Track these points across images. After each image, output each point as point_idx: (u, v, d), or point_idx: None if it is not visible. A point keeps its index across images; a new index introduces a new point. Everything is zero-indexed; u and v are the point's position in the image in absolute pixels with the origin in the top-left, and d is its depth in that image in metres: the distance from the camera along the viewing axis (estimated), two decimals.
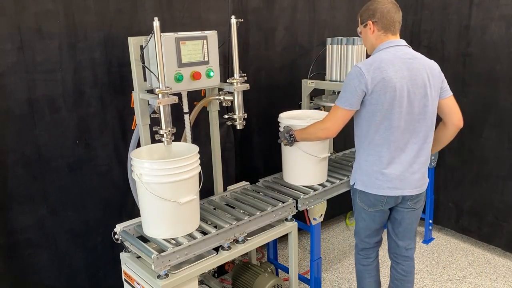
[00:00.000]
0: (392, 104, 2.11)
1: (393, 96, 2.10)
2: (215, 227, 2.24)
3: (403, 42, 2.24)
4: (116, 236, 2.22)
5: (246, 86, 2.39)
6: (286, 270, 2.85)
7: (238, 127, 2.47)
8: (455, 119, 2.29)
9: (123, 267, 2.24)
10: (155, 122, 2.18)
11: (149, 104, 2.25)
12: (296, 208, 2.54)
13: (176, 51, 2.16)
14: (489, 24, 3.20)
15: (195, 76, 2.24)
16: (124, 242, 2.22)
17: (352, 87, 2.13)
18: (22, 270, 2.33)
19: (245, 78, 2.38)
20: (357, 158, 2.32)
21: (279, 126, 2.69)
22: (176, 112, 2.36)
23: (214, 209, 2.52)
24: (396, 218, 2.38)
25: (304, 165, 2.68)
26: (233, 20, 2.31)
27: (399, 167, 2.20)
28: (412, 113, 2.15)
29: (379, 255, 2.59)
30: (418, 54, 2.22)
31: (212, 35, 2.29)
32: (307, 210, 2.64)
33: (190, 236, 2.15)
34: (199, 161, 2.15)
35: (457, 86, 3.36)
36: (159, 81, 2.04)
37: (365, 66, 2.12)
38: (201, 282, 2.67)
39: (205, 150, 2.62)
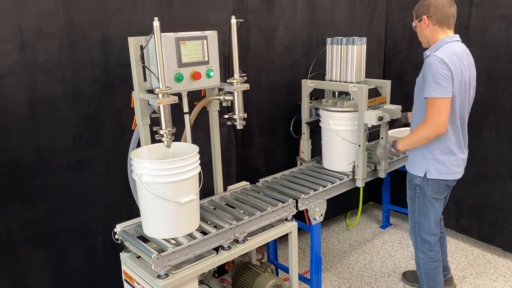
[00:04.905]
0: (464, 94, 2.31)
1: (465, 87, 2.29)
2: (215, 227, 2.24)
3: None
4: (116, 236, 2.22)
5: (246, 86, 2.39)
6: (286, 270, 2.85)
7: (238, 127, 2.47)
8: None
9: (123, 267, 2.24)
10: (155, 122, 2.18)
11: (149, 104, 2.25)
12: (296, 208, 2.54)
13: (176, 51, 2.16)
14: (489, 24, 3.20)
15: (195, 76, 2.24)
16: (124, 242, 2.23)
17: (443, 75, 2.21)
18: (22, 270, 2.33)
19: (245, 78, 2.38)
20: (426, 148, 2.39)
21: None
22: (176, 112, 2.36)
23: (214, 209, 2.52)
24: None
25: (345, 153, 2.95)
26: (233, 20, 2.31)
27: (463, 151, 2.43)
28: (468, 103, 2.39)
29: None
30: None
31: (212, 35, 2.29)
32: (307, 210, 2.64)
33: (190, 236, 2.15)
34: (199, 161, 2.15)
35: None
36: (159, 81, 2.04)
37: (445, 57, 2.23)
38: (201, 282, 2.67)
39: (205, 150, 2.62)
